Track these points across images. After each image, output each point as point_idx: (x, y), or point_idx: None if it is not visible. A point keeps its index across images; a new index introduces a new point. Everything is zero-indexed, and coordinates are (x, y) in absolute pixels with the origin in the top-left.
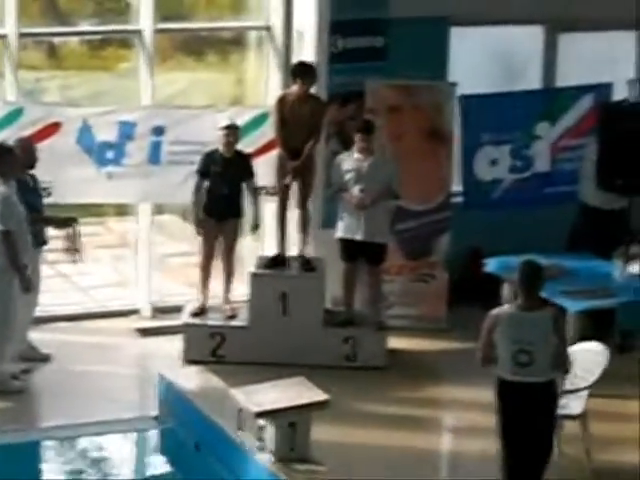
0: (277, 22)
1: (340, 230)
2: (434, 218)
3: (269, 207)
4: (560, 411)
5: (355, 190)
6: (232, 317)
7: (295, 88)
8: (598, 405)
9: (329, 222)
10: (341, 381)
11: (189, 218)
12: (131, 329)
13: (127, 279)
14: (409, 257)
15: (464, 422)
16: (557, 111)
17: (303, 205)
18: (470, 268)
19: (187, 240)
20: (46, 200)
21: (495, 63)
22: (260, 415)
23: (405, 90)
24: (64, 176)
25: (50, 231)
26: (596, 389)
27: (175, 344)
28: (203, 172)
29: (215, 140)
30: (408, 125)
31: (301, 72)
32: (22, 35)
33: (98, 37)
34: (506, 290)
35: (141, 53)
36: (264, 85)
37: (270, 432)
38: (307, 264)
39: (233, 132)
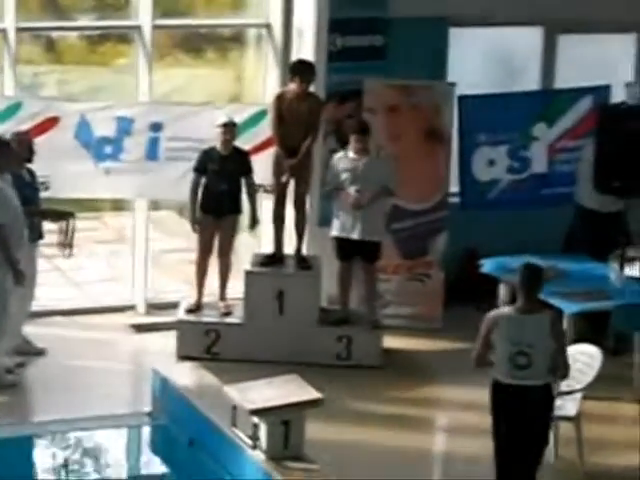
0: (276, 20)
1: (335, 229)
2: (431, 218)
3: (266, 205)
4: (555, 413)
5: (351, 190)
6: (227, 314)
7: (293, 86)
8: (592, 407)
9: (325, 220)
10: (336, 380)
11: (185, 214)
12: (126, 325)
13: (122, 275)
14: (405, 256)
15: (458, 422)
16: (555, 112)
17: (300, 203)
18: (466, 268)
19: (183, 236)
20: (43, 194)
21: (494, 64)
22: (254, 412)
23: (404, 90)
24: (62, 170)
25: (46, 225)
26: (590, 391)
27: (170, 340)
28: (200, 169)
29: (213, 137)
30: (406, 125)
31: (300, 70)
32: (21, 29)
33: (97, 32)
34: (502, 291)
35: (140, 49)
36: (262, 82)
37: (264, 430)
38: (303, 262)
39: (230, 129)
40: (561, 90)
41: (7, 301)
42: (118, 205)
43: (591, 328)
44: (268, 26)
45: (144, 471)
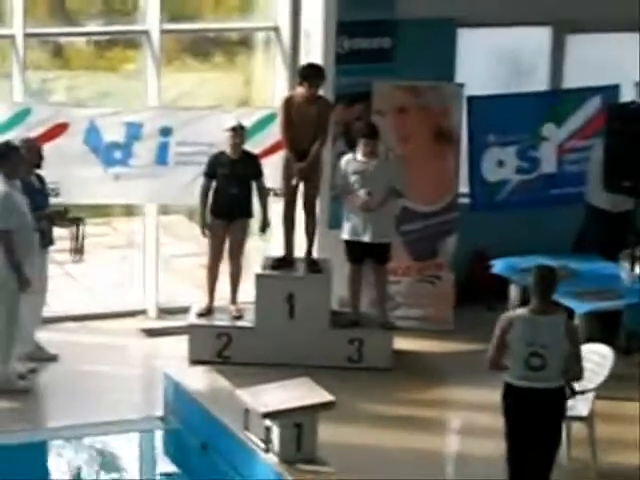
0: (284, 23)
1: (346, 232)
2: (441, 219)
3: (275, 208)
4: (567, 413)
5: (361, 193)
6: (238, 318)
7: (302, 89)
8: (603, 407)
9: (336, 223)
10: (347, 382)
11: (195, 219)
12: (137, 329)
13: (133, 279)
14: (416, 258)
15: (470, 423)
16: (564, 113)
17: (309, 206)
18: (476, 269)
19: (193, 241)
20: (53, 200)
21: (502, 64)
22: (266, 416)
23: (412, 91)
24: (71, 176)
25: (57, 231)
26: (602, 391)
27: (181, 345)
28: (210, 174)
29: (222, 141)
30: (415, 126)
31: (308, 75)
32: (29, 35)
33: (105, 37)
34: (513, 292)
35: (148, 54)
36: (271, 86)
37: (276, 433)
38: (313, 265)
39: (239, 133)
40: (570, 90)
41: (17, 307)
42: (128, 210)
43: (602, 327)
44: (276, 29)
45: (157, 476)
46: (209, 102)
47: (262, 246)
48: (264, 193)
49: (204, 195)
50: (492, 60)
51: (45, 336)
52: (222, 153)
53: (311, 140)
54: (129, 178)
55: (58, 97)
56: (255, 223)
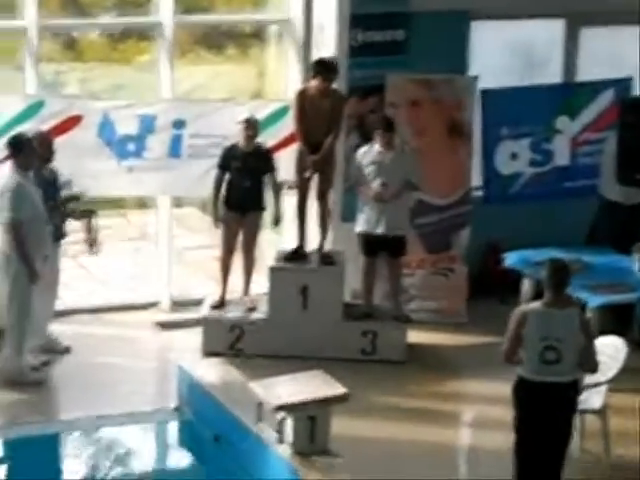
0: (297, 15)
1: (360, 224)
2: (454, 212)
3: (289, 201)
4: (580, 406)
5: (375, 184)
6: (251, 310)
7: (316, 82)
8: (617, 400)
9: (349, 216)
10: (360, 375)
11: (208, 211)
12: (151, 322)
13: (147, 272)
14: (429, 251)
15: (483, 416)
16: (577, 105)
17: (323, 199)
18: (489, 262)
19: (206, 233)
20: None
21: (516, 57)
22: (280, 408)
23: (426, 84)
24: (84, 169)
25: (70, 224)
26: (615, 384)
27: (194, 337)
28: (223, 166)
29: (235, 133)
30: (429, 119)
31: (322, 69)
32: (42, 28)
33: (118, 30)
34: (526, 285)
35: (161, 46)
36: (284, 78)
37: (289, 425)
38: (327, 258)
39: (252, 125)
40: (583, 83)
41: (29, 300)
42: (141, 203)
43: (616, 320)
44: (289, 22)
45: (170, 467)
46: (222, 95)
47: (275, 239)
48: (277, 186)
49: (217, 187)
50: (505, 53)
51: (58, 328)
52: (235, 146)
53: (324, 133)
54: (142, 170)
55: (71, 89)
56: (268, 216)
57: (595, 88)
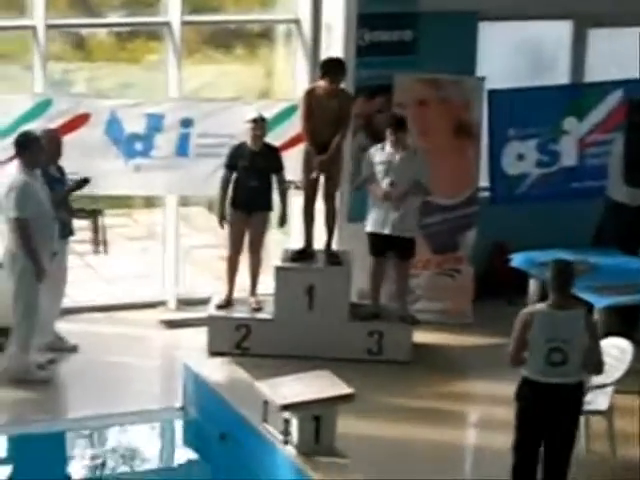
0: (305, 15)
1: (369, 224)
2: (461, 213)
3: (296, 201)
4: (586, 407)
5: (384, 183)
6: (258, 310)
7: (323, 82)
8: (623, 401)
9: (355, 216)
10: (366, 375)
11: (215, 210)
12: (157, 321)
13: (153, 271)
14: (435, 251)
15: (489, 416)
16: (585, 106)
17: (330, 199)
18: (495, 262)
19: (213, 232)
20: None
21: (523, 58)
22: (285, 408)
23: (433, 84)
24: (92, 168)
25: (78, 222)
26: (621, 385)
27: (201, 336)
28: (231, 165)
29: (243, 133)
30: (436, 119)
31: (330, 69)
32: (50, 27)
33: (126, 29)
34: (532, 286)
35: (169, 45)
36: (292, 78)
37: (295, 425)
38: (333, 258)
39: (260, 125)
40: (591, 84)
41: (35, 298)
42: (148, 202)
43: (622, 322)
44: (297, 22)
45: (176, 465)
46: (230, 94)
47: (282, 239)
48: (284, 186)
49: (224, 187)
50: (513, 54)
51: (65, 327)
52: (243, 144)
53: (332, 133)
54: (150, 169)
55: (80, 88)
56: (274, 216)
57: (603, 89)
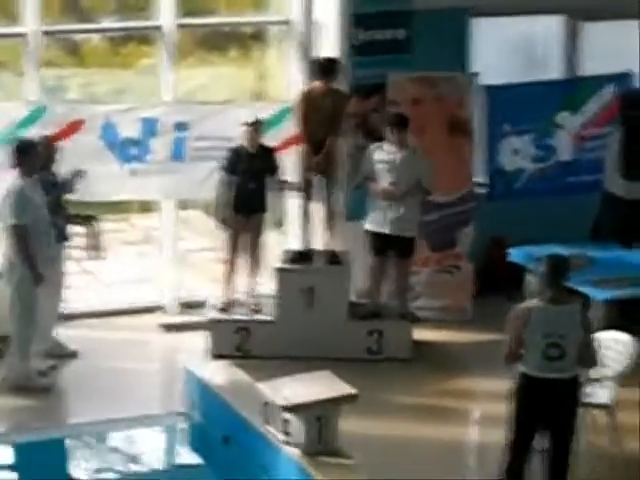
0: (298, 16)
1: (369, 223)
2: (458, 209)
3: (293, 202)
4: (588, 400)
5: (385, 181)
6: (257, 312)
7: (318, 83)
8: (625, 395)
9: (353, 215)
10: (367, 374)
11: (212, 213)
12: (157, 325)
13: (152, 275)
14: (434, 249)
15: (490, 413)
16: (579, 100)
17: (327, 199)
18: (494, 258)
19: (211, 235)
20: (71, 197)
21: (517, 53)
22: (287, 409)
23: (427, 82)
24: (88, 173)
25: (74, 228)
26: (623, 378)
27: (201, 339)
28: (229, 168)
29: (238, 135)
30: (430, 117)
31: (324, 69)
32: (43, 33)
33: (119, 34)
34: (530, 281)
35: (163, 49)
36: (286, 80)
37: (297, 426)
38: (332, 258)
39: (257, 127)
40: (584, 78)
41: (34, 304)
42: (145, 206)
43: (622, 315)
44: (290, 23)
45: (180, 469)
46: (224, 97)
47: (280, 240)
48: (281, 188)
49: (225, 190)
50: (506, 49)
51: (65, 333)
52: (241, 147)
53: (327, 133)
54: (145, 174)
55: (74, 94)
56: (271, 217)
57: (596, 83)
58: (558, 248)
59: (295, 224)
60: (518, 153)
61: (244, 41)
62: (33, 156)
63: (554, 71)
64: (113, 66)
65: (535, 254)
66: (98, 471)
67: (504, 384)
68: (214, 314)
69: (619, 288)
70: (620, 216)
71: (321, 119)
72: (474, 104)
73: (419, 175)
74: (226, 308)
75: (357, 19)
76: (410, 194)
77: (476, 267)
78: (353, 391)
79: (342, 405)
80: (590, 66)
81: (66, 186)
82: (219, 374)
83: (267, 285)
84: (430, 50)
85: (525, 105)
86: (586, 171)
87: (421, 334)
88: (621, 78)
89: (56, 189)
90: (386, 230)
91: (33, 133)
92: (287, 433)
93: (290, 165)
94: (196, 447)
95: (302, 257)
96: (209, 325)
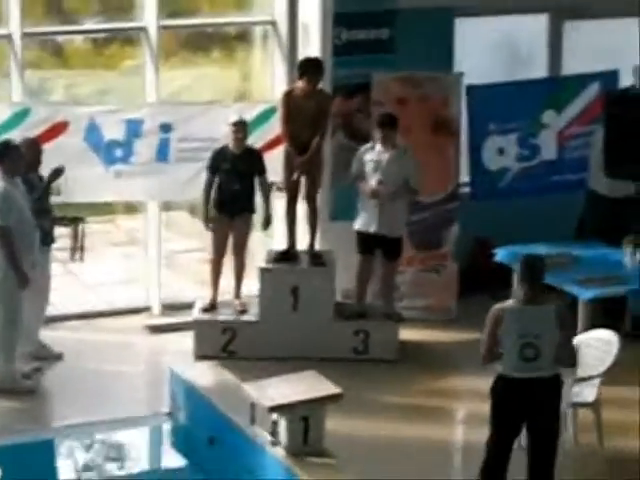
0: (281, 16)
1: (358, 222)
2: (443, 209)
3: (278, 202)
4: (573, 399)
5: (372, 181)
6: (243, 312)
7: (301, 83)
8: (610, 393)
9: (338, 215)
10: (353, 374)
11: (198, 214)
12: (142, 326)
13: (137, 276)
14: (419, 248)
15: (476, 412)
16: (563, 99)
17: (311, 199)
18: (479, 258)
19: (196, 236)
20: (55, 199)
21: (501, 52)
22: (273, 409)
23: (411, 82)
24: (72, 175)
25: (59, 230)
26: (608, 377)
27: (186, 340)
28: (213, 169)
29: (222, 136)
30: (415, 117)
31: (307, 69)
32: (26, 35)
33: (103, 35)
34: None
35: (146, 50)
36: (270, 80)
37: (283, 426)
38: (317, 258)
39: (242, 128)
40: (569, 77)
41: (18, 306)
42: (130, 207)
43: (607, 314)
44: (273, 23)
45: (165, 471)
46: (208, 97)
47: (265, 240)
48: (266, 188)
49: (207, 190)
50: (490, 49)
51: (49, 335)
52: (225, 148)
53: (311, 133)
54: (130, 176)
55: (57, 96)
56: (258, 218)
57: (580, 82)
58: (543, 247)
59: (280, 225)
60: (503, 152)
61: (228, 42)
62: (15, 158)
63: (539, 70)
64: (97, 67)
65: (520, 253)
66: (83, 473)
67: (489, 383)
68: (199, 315)
69: (603, 286)
70: (604, 214)
71: (304, 119)
72: (459, 104)
73: (407, 175)
74: (211, 309)
75: (340, 18)
76: (398, 194)
77: (461, 267)
78: (338, 390)
79: (327, 405)
80: (574, 65)
81: (46, 185)
82: (204, 375)
83: (253, 285)
84: (414, 50)
85: (509, 104)
86: (570, 170)
87: (407, 334)
88: (605, 76)
89: (36, 190)
90: (373, 230)
91: (17, 135)
92: (273, 434)
93: (274, 165)
94: (181, 448)
95: (287, 257)
96: (194, 326)
